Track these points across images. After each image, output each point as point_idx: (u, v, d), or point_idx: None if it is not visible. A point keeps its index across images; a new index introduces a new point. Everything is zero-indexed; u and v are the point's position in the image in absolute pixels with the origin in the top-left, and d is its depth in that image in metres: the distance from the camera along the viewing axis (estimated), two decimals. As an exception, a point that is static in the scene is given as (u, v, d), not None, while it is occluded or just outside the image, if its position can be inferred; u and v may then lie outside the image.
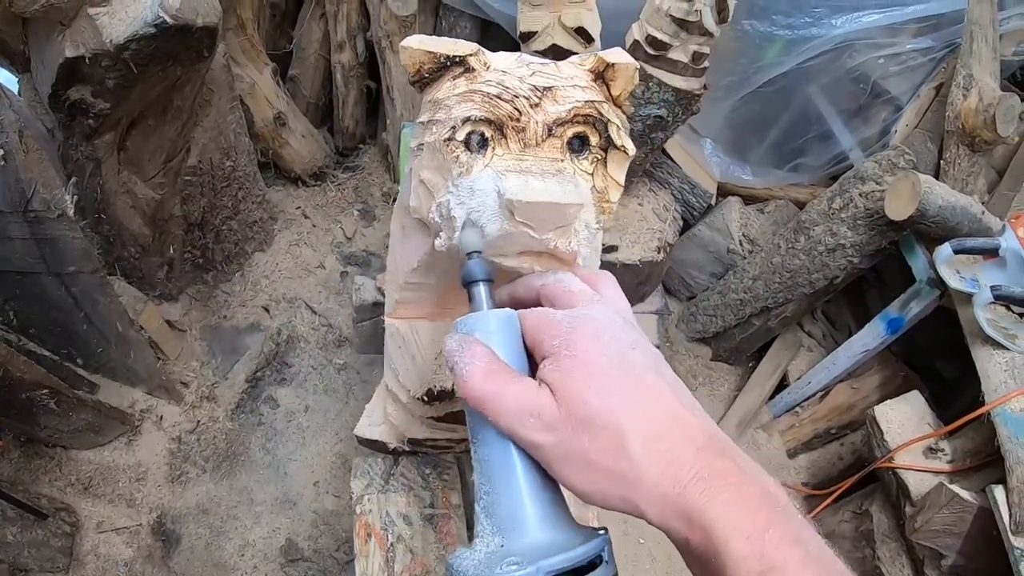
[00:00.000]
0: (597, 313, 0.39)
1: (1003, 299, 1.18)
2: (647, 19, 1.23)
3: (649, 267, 1.50)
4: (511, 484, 0.37)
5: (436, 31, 1.67)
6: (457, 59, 0.45)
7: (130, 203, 1.30)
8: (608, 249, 1.45)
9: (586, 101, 0.44)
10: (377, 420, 0.74)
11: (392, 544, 0.68)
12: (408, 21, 1.54)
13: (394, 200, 1.02)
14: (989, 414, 1.15)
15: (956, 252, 1.23)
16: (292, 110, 1.71)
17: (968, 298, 1.22)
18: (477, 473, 0.39)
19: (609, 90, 0.48)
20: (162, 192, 1.33)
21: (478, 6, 1.51)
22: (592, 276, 0.44)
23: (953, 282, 1.24)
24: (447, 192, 0.44)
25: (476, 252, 0.42)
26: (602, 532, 0.37)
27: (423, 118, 0.47)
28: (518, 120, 0.43)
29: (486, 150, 0.44)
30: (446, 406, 0.62)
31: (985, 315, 1.19)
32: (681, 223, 1.68)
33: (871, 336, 1.47)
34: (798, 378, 1.66)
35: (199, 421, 1.42)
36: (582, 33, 1.23)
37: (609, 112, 0.46)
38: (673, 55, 1.23)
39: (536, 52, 1.26)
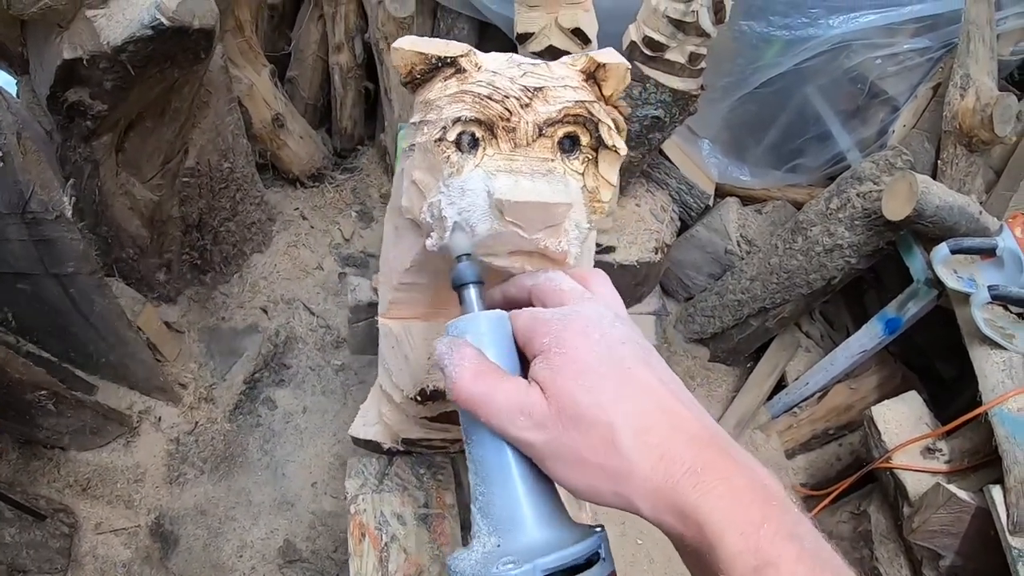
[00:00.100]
0: (587, 310, 0.39)
1: (1000, 299, 1.18)
2: (644, 20, 1.24)
3: (647, 268, 1.50)
4: (506, 484, 0.37)
5: (434, 32, 1.67)
6: (448, 60, 0.46)
7: (128, 204, 1.31)
8: (605, 250, 1.45)
9: (576, 101, 0.45)
10: (372, 420, 0.74)
11: (386, 544, 0.68)
12: (406, 23, 1.54)
13: (391, 201, 1.02)
14: (987, 414, 1.15)
15: (953, 252, 1.23)
16: (290, 111, 1.72)
17: (965, 298, 1.22)
18: (472, 473, 0.39)
19: (601, 90, 0.48)
20: (160, 193, 1.34)
21: (475, 7, 1.52)
22: (583, 274, 0.44)
23: (950, 282, 1.24)
24: (438, 192, 0.44)
25: (465, 255, 0.42)
26: (598, 530, 0.37)
27: (415, 119, 0.47)
28: (508, 120, 0.43)
29: (477, 150, 0.44)
30: (439, 406, 0.62)
31: (982, 315, 1.19)
32: (679, 224, 1.68)
33: (869, 336, 1.47)
34: (796, 379, 1.66)
35: (197, 422, 1.43)
36: (579, 34, 1.23)
37: (600, 112, 0.46)
38: (670, 56, 1.23)
39: (533, 53, 1.26)
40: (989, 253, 1.24)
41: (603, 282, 0.44)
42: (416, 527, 0.71)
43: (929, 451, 1.26)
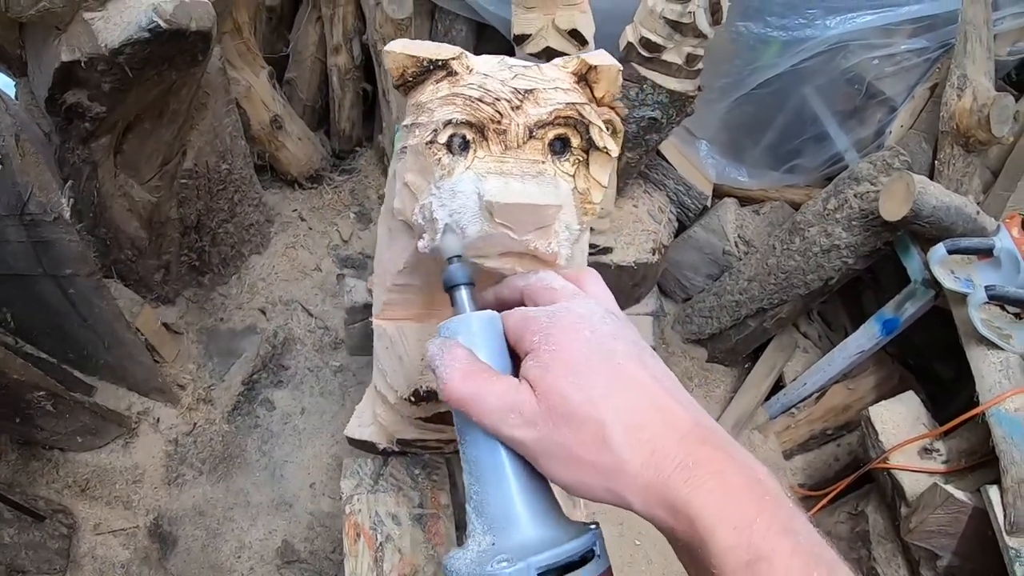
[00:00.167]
0: (577, 306, 0.39)
1: (997, 299, 1.18)
2: (641, 21, 1.24)
3: (644, 269, 1.50)
4: (499, 483, 0.37)
5: (431, 34, 1.68)
6: (440, 63, 0.46)
7: (126, 206, 1.31)
8: (603, 251, 1.45)
9: (567, 103, 0.45)
10: (367, 421, 0.75)
11: (381, 544, 0.69)
12: (404, 24, 1.54)
13: (387, 202, 1.02)
14: (984, 414, 1.15)
15: (950, 252, 1.23)
16: (288, 113, 1.72)
17: (963, 298, 1.22)
18: (466, 473, 0.39)
19: (593, 92, 0.49)
20: (158, 195, 1.34)
21: (473, 9, 1.52)
22: (574, 274, 0.44)
23: (947, 282, 1.24)
24: (430, 194, 0.44)
25: (456, 256, 0.42)
26: (593, 527, 0.38)
27: (407, 121, 0.48)
28: (499, 122, 0.43)
29: (468, 152, 0.44)
30: (433, 407, 0.62)
31: (979, 315, 1.19)
32: (676, 225, 1.68)
33: (866, 337, 1.47)
34: (794, 379, 1.66)
35: (196, 423, 1.43)
36: (576, 35, 1.23)
37: (591, 114, 0.46)
38: (667, 57, 1.24)
39: (530, 55, 1.26)
40: (986, 253, 1.24)
41: (595, 281, 0.44)
42: (411, 527, 0.71)
43: (926, 451, 1.27)
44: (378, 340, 0.64)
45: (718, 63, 1.44)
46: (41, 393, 1.15)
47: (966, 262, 1.27)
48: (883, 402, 1.35)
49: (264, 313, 1.62)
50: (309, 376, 1.56)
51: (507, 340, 0.40)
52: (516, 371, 0.39)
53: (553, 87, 0.46)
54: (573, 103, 0.45)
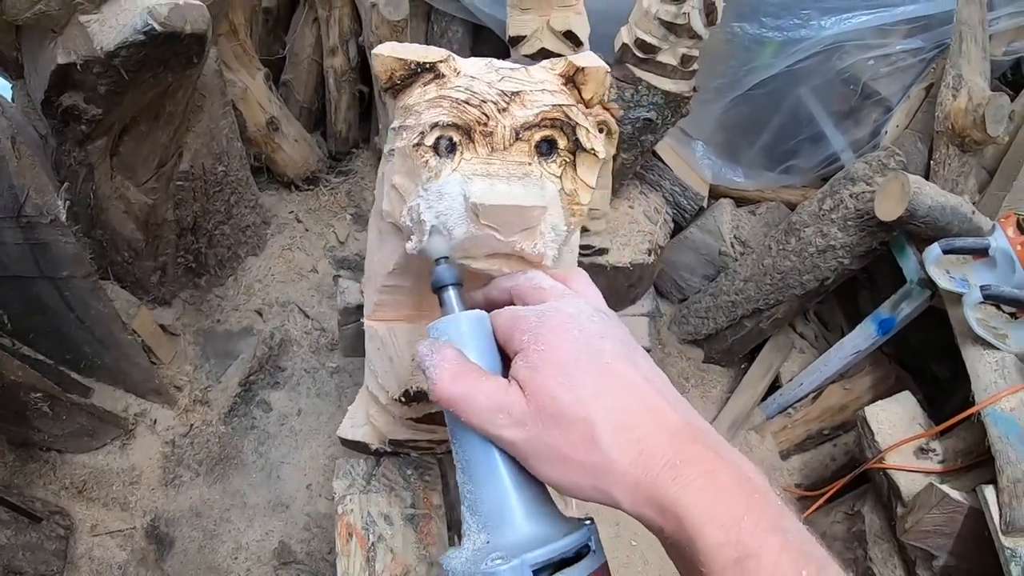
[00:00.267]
0: (566, 306, 0.39)
1: (993, 299, 1.18)
2: (635, 22, 1.24)
3: (640, 269, 1.51)
4: (493, 481, 0.38)
5: (427, 36, 1.68)
6: (427, 65, 0.46)
7: (123, 208, 1.31)
8: (599, 252, 1.45)
9: (554, 105, 0.45)
10: (360, 422, 0.75)
11: (373, 544, 0.69)
12: (399, 26, 1.54)
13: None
14: (979, 414, 1.15)
15: (946, 252, 1.23)
16: (285, 115, 1.72)
17: (958, 298, 1.22)
18: (459, 472, 0.40)
19: (581, 94, 0.49)
20: (155, 197, 1.34)
21: (468, 11, 1.52)
22: (563, 274, 0.44)
23: (943, 282, 1.24)
24: (417, 196, 0.44)
25: (443, 257, 0.43)
26: (588, 522, 0.38)
27: (395, 124, 0.48)
28: (486, 125, 0.44)
29: (455, 154, 0.44)
30: (424, 407, 0.63)
31: (975, 315, 1.19)
32: (672, 225, 1.68)
33: (862, 337, 1.47)
34: (790, 379, 1.66)
35: (192, 425, 1.43)
36: (571, 37, 1.24)
37: (577, 115, 0.46)
38: (662, 58, 1.24)
39: (525, 56, 1.27)
40: (981, 253, 1.24)
41: (584, 280, 0.44)
42: (403, 527, 0.71)
43: (922, 451, 1.27)
44: (369, 341, 0.65)
45: (713, 64, 1.45)
46: (38, 395, 1.16)
47: (962, 262, 1.27)
48: (879, 402, 1.35)
49: (260, 315, 1.62)
50: (305, 377, 1.56)
51: (496, 340, 0.41)
52: (506, 370, 0.39)
53: (540, 89, 0.46)
54: (559, 105, 0.45)
